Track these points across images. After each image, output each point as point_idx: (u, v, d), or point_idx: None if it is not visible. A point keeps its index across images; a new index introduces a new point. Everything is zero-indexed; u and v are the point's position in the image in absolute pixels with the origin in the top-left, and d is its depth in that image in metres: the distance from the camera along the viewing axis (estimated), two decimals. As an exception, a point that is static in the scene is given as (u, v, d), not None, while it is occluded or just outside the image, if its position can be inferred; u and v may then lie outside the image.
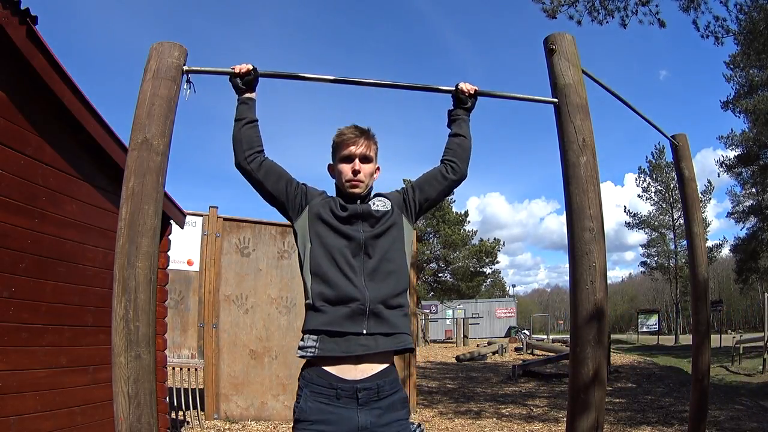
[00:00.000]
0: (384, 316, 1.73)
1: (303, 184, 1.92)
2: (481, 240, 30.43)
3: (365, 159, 1.89)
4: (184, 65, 1.92)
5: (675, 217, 31.34)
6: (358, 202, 1.88)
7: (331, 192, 1.96)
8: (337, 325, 1.69)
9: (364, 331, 1.70)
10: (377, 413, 1.69)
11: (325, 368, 1.70)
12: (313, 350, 1.71)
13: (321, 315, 1.71)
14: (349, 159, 1.87)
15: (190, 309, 7.03)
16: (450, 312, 35.13)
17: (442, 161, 2.05)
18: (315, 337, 1.72)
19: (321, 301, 1.73)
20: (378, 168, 1.96)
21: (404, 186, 2.02)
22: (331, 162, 1.96)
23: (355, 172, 1.86)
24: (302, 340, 1.76)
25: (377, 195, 1.96)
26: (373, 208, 1.86)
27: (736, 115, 22.44)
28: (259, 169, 1.85)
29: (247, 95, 1.94)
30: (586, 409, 2.01)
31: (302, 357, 1.75)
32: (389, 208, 1.89)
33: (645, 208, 36.31)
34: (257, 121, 1.94)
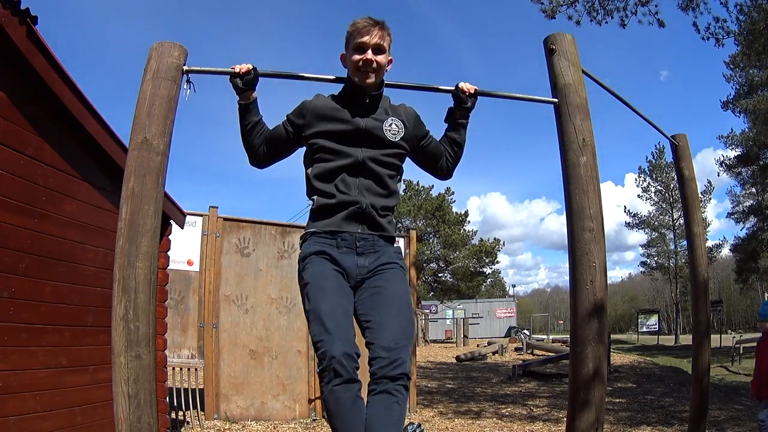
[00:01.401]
0: (376, 219, 1.89)
1: (287, 117, 1.99)
2: (481, 240, 30.47)
3: (378, 49, 1.91)
4: (184, 65, 1.92)
5: (675, 217, 31.34)
6: (367, 99, 1.93)
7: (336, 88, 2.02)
8: (336, 225, 1.86)
9: (359, 231, 1.87)
10: (374, 257, 1.87)
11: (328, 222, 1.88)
12: (315, 232, 1.89)
13: (322, 220, 1.88)
14: (362, 49, 1.90)
15: (190, 309, 7.02)
16: (450, 312, 35.12)
17: (445, 157, 2.14)
18: (318, 229, 1.89)
19: (322, 209, 1.88)
20: (391, 60, 2.00)
21: (428, 133, 2.09)
22: (344, 52, 2.00)
23: (367, 62, 1.89)
24: (302, 238, 1.94)
25: (401, 110, 2.01)
26: (386, 128, 1.93)
27: (736, 115, 22.48)
28: (269, 156, 2.01)
29: (247, 97, 1.95)
30: (587, 408, 2.01)
31: (304, 242, 1.91)
32: (399, 138, 1.95)
33: (645, 208, 36.29)
34: (260, 119, 1.99)
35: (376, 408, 1.62)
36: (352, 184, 1.88)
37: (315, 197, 1.91)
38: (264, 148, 1.99)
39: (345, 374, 1.59)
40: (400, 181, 2.05)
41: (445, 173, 2.16)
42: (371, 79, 1.91)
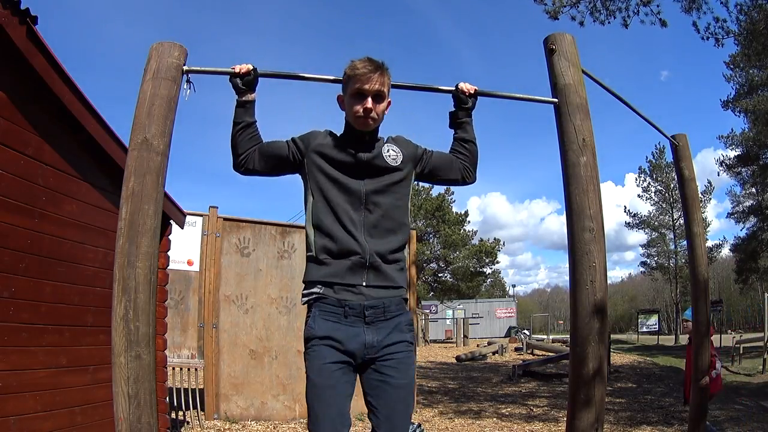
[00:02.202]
0: (382, 269, 1.79)
1: (292, 139, 1.93)
2: (481, 240, 30.46)
3: (378, 96, 1.86)
4: (184, 65, 1.92)
5: (675, 217, 31.34)
6: (366, 138, 1.88)
7: (335, 128, 1.97)
8: (338, 276, 1.77)
9: (364, 283, 1.77)
10: (384, 332, 1.76)
11: (335, 289, 1.78)
12: (317, 295, 1.79)
13: (324, 267, 1.78)
14: (362, 96, 1.84)
15: (190, 309, 7.03)
16: (450, 312, 35.13)
17: (459, 161, 2.08)
18: (319, 286, 1.79)
19: (324, 254, 1.79)
20: (390, 102, 1.95)
21: (425, 148, 2.03)
22: (342, 93, 1.94)
23: (367, 111, 1.83)
24: (305, 290, 1.83)
25: (394, 140, 1.96)
26: (384, 155, 1.87)
27: (736, 115, 22.48)
28: (249, 164, 1.90)
29: (247, 96, 1.94)
30: (587, 408, 2.01)
31: (307, 302, 1.82)
32: (398, 163, 1.89)
33: (645, 208, 36.33)
34: (254, 122, 1.94)
35: None
36: (358, 221, 1.80)
37: (316, 238, 1.81)
38: (255, 153, 1.90)
39: None
40: (407, 211, 1.94)
41: (464, 176, 2.08)
42: (371, 127, 1.87)
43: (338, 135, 1.95)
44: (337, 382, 1.73)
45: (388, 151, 1.89)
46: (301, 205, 1.94)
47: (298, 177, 1.98)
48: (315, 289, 1.79)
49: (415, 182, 2.05)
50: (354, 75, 1.84)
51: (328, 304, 1.76)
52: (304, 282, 1.84)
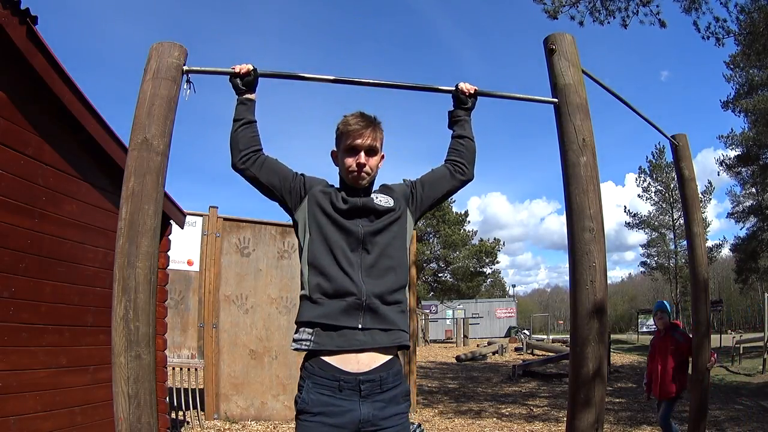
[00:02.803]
0: (380, 311, 1.71)
1: (301, 174, 1.90)
2: (481, 240, 30.46)
3: (371, 151, 1.84)
4: (184, 65, 1.92)
5: (675, 217, 31.35)
6: (361, 194, 1.85)
7: (332, 180, 1.93)
8: (332, 318, 1.67)
9: (360, 326, 1.68)
10: (379, 406, 1.68)
11: (327, 359, 1.68)
12: (308, 343, 1.70)
13: (317, 307, 1.70)
14: (354, 151, 1.82)
15: (190, 309, 7.03)
16: (450, 312, 35.14)
17: (449, 162, 2.03)
18: (310, 330, 1.70)
19: (318, 293, 1.71)
20: (383, 156, 1.93)
21: (411, 180, 1.98)
22: (335, 149, 1.92)
23: (360, 165, 1.81)
24: (297, 332, 1.74)
25: (382, 187, 1.94)
26: (376, 201, 1.83)
27: (736, 115, 22.49)
28: (252, 167, 1.84)
29: (247, 96, 1.93)
30: (587, 408, 2.01)
31: (296, 350, 1.74)
32: (392, 204, 1.85)
33: (645, 208, 36.35)
34: (255, 121, 1.92)
35: None
36: (355, 262, 1.73)
37: (310, 277, 1.74)
38: (258, 157, 1.85)
39: None
40: (407, 252, 1.87)
41: (462, 173, 2.01)
42: (364, 181, 1.84)
43: (336, 186, 1.92)
44: None
45: (377, 198, 1.86)
46: None
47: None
48: (305, 336, 1.71)
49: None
50: (346, 131, 1.82)
51: (323, 377, 1.68)
52: (296, 323, 1.76)
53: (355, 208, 1.80)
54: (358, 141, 1.81)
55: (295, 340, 1.74)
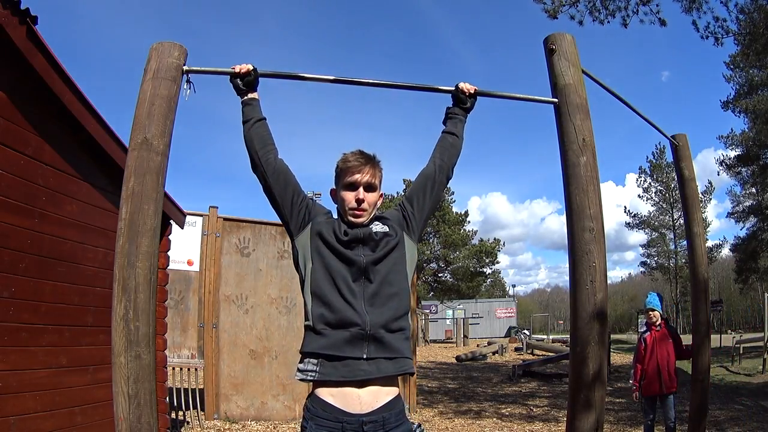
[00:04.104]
0: (385, 340, 1.70)
1: (309, 198, 1.89)
2: (481, 240, 30.43)
3: (369, 188, 1.83)
4: (184, 65, 1.92)
5: (675, 217, 31.35)
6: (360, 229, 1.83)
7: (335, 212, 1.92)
8: (336, 349, 1.66)
9: (365, 356, 1.66)
10: None
11: (329, 401, 1.67)
12: (313, 374, 1.68)
13: (321, 338, 1.69)
14: (353, 187, 1.82)
15: (190, 309, 7.03)
16: (450, 312, 35.14)
17: (432, 161, 2.02)
18: (315, 360, 1.69)
19: (321, 323, 1.70)
20: (381, 195, 1.93)
21: (400, 203, 1.98)
22: (334, 187, 1.92)
23: (359, 201, 1.81)
24: (301, 362, 1.73)
25: (377, 217, 1.92)
26: (374, 230, 1.82)
27: (736, 115, 22.48)
28: (271, 171, 1.83)
29: (249, 96, 1.93)
30: (587, 408, 2.01)
31: (302, 380, 1.72)
32: (389, 229, 1.85)
33: (645, 208, 36.35)
34: (265, 119, 1.92)
35: None
36: (357, 292, 1.73)
37: (314, 307, 1.73)
38: (277, 156, 1.85)
39: None
40: (408, 278, 1.86)
41: (440, 169, 1.99)
42: (363, 218, 1.83)
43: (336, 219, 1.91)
44: None
45: (374, 227, 1.85)
46: None
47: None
48: (310, 367, 1.69)
49: (419, 242, 1.97)
50: (346, 167, 1.83)
51: (325, 419, 1.66)
52: (300, 353, 1.75)
53: (355, 239, 1.79)
54: (357, 176, 1.81)
55: (300, 370, 1.73)
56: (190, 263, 6.83)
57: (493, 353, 19.02)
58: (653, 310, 4.94)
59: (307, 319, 1.74)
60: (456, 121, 2.08)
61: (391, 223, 1.88)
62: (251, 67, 1.91)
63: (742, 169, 24.87)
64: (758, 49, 11.80)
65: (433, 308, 35.31)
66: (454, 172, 2.06)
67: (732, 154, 25.13)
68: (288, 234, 1.88)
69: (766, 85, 19.97)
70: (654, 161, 32.72)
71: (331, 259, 1.76)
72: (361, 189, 1.82)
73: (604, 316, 2.07)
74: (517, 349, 20.70)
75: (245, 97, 1.92)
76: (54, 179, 3.46)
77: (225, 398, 6.41)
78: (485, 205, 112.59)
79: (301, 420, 1.74)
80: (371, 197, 1.84)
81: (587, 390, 2.01)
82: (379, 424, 1.67)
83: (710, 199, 31.55)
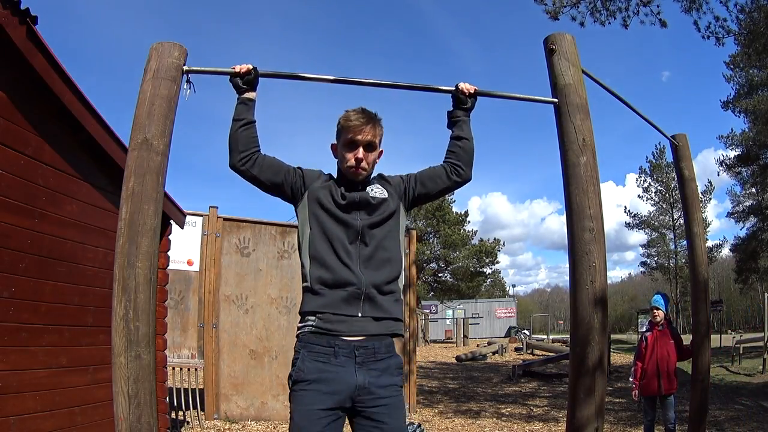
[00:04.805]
0: (377, 300, 1.79)
1: (298, 168, 1.95)
2: (481, 240, 30.42)
3: (369, 147, 1.90)
4: (184, 65, 1.92)
5: (675, 217, 31.35)
6: (358, 187, 1.91)
7: (328, 169, 1.99)
8: (334, 307, 1.75)
9: (359, 314, 1.76)
10: (374, 374, 1.75)
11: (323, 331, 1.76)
12: (311, 328, 1.77)
13: (319, 298, 1.77)
14: (353, 146, 1.88)
15: (190, 309, 7.02)
16: (450, 312, 35.12)
17: (446, 163, 2.06)
18: (313, 317, 1.77)
19: (319, 284, 1.78)
20: (381, 152, 1.99)
21: (407, 175, 2.04)
22: (335, 142, 1.98)
23: (358, 161, 1.87)
24: (301, 322, 1.81)
25: (379, 178, 1.99)
26: (371, 194, 1.90)
27: (736, 115, 22.49)
28: (252, 168, 1.87)
29: (247, 95, 1.94)
30: (587, 408, 2.01)
31: (300, 334, 1.81)
32: (386, 196, 1.92)
33: (645, 208, 36.36)
34: (254, 122, 1.94)
35: None
36: (353, 253, 1.81)
37: (311, 269, 1.80)
38: (257, 157, 1.87)
39: None
40: (402, 242, 1.94)
41: (457, 175, 2.03)
42: (362, 176, 1.90)
43: (334, 177, 1.98)
44: (323, 428, 1.68)
45: (373, 190, 1.92)
46: None
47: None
48: (309, 322, 1.77)
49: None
50: (347, 126, 1.88)
51: (318, 344, 1.74)
52: (300, 313, 1.83)
53: (353, 203, 1.87)
54: (358, 137, 1.87)
55: (299, 329, 1.81)
56: (190, 263, 6.83)
57: (493, 353, 19.02)
58: (657, 309, 4.93)
59: (305, 281, 1.83)
60: (461, 123, 2.11)
61: (391, 190, 1.95)
62: (251, 67, 1.93)
63: (742, 169, 24.87)
64: (758, 49, 11.80)
65: (433, 308, 35.30)
66: (472, 173, 2.10)
67: (732, 154, 25.14)
68: (290, 203, 1.96)
69: (766, 85, 19.97)
70: (654, 161, 32.74)
71: (329, 223, 1.84)
72: (360, 149, 1.88)
73: (604, 316, 2.07)
74: (517, 349, 20.70)
75: (243, 96, 1.94)
76: (54, 179, 3.46)
77: (225, 398, 6.41)
78: (485, 205, 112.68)
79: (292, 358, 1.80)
80: (371, 156, 1.91)
81: (587, 389, 2.01)
82: (370, 351, 1.76)
83: (710, 199, 31.59)
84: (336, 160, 1.98)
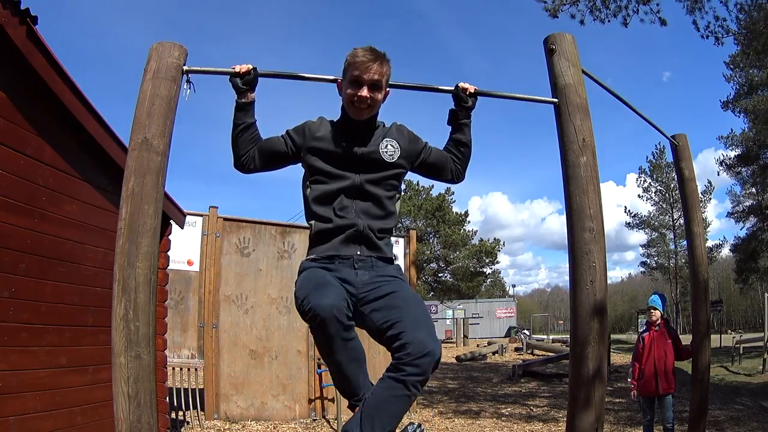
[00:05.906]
0: (374, 241, 1.88)
1: (286, 134, 1.98)
2: (481, 240, 30.42)
3: (374, 86, 1.88)
4: (184, 65, 1.92)
5: (675, 217, 31.36)
6: (362, 127, 1.93)
7: (329, 114, 2.03)
8: (335, 250, 1.85)
9: (358, 253, 1.85)
10: (374, 272, 1.85)
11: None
12: (312, 261, 1.88)
13: (321, 245, 1.88)
14: (358, 84, 1.87)
15: (190, 309, 7.03)
16: (450, 312, 35.09)
17: (451, 161, 2.12)
18: (317, 259, 1.87)
19: (320, 235, 1.88)
20: (387, 92, 1.99)
21: (427, 147, 2.08)
22: (341, 79, 1.97)
23: (362, 99, 1.87)
24: (302, 263, 1.92)
25: (397, 131, 2.01)
26: (382, 150, 1.93)
27: (736, 115, 22.52)
28: (252, 165, 1.95)
29: (246, 97, 1.94)
30: (587, 408, 2.01)
31: (303, 269, 1.88)
32: (396, 158, 1.95)
33: (645, 208, 36.38)
34: (254, 123, 1.96)
35: (384, 392, 1.61)
36: (350, 207, 1.87)
37: (313, 222, 1.90)
38: (254, 153, 1.94)
39: (341, 318, 1.62)
40: (398, 200, 2.01)
41: (454, 177, 2.13)
42: (365, 115, 1.90)
43: (333, 122, 1.99)
44: (335, 281, 1.75)
45: (386, 146, 1.93)
46: (301, 203, 2.02)
47: (297, 174, 2.05)
48: (312, 256, 1.88)
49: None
50: (354, 62, 1.87)
51: (322, 258, 1.85)
52: (306, 259, 1.92)
53: (354, 158, 1.90)
54: (364, 75, 1.86)
55: (303, 263, 1.91)
56: (190, 263, 6.83)
57: (493, 353, 19.02)
58: (654, 308, 4.93)
59: (310, 230, 1.93)
60: (464, 127, 2.14)
61: (402, 151, 1.97)
62: (251, 67, 1.93)
63: (742, 169, 24.90)
64: (758, 49, 11.80)
65: (433, 308, 35.28)
66: (465, 175, 2.19)
67: (732, 154, 25.16)
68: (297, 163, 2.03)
69: (766, 85, 19.98)
70: (654, 161, 32.75)
71: (327, 181, 1.90)
72: (365, 87, 1.87)
73: (604, 315, 2.07)
74: (517, 349, 20.69)
75: (241, 100, 1.94)
76: (54, 179, 3.46)
77: (225, 398, 6.41)
78: (485, 205, 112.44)
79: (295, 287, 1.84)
80: (376, 95, 1.90)
81: (587, 389, 2.01)
82: (368, 263, 1.85)
83: (710, 199, 31.61)
84: (340, 99, 1.99)
